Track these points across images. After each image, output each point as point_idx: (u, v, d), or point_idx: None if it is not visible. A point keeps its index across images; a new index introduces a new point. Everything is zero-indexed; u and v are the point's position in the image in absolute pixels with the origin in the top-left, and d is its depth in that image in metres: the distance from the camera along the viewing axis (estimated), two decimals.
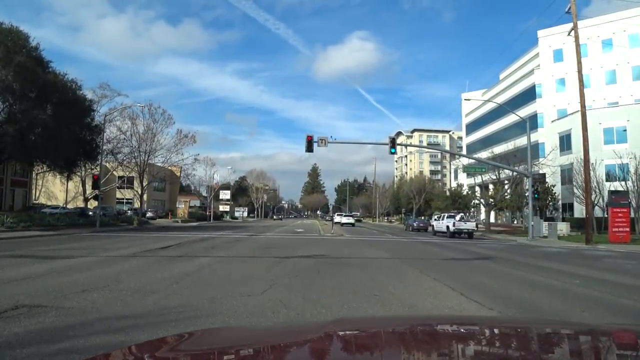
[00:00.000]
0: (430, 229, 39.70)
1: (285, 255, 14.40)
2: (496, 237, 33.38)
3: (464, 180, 63.89)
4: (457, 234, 31.73)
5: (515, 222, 53.22)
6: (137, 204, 47.50)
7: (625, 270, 12.95)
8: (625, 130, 37.71)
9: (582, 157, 25.72)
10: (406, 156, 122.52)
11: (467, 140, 73.83)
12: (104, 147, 34.59)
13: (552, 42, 47.40)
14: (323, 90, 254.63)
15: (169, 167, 47.42)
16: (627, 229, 25.45)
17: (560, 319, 5.71)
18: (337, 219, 52.80)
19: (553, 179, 42.23)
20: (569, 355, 1.65)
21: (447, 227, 32.55)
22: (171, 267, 10.77)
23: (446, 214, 36.72)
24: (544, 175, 43.15)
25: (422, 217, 51.21)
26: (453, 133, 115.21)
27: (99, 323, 5.21)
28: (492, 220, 47.61)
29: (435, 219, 39.15)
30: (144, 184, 39.57)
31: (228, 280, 8.92)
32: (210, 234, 28.18)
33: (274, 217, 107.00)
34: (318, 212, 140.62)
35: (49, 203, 50.32)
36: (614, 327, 2.78)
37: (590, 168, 25.77)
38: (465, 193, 56.64)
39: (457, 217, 33.12)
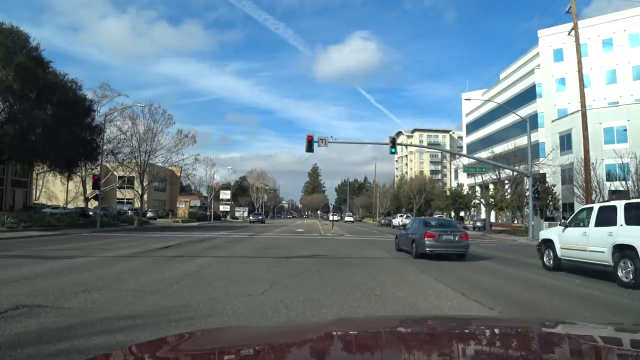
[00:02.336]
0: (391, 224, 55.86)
1: (286, 255, 14.41)
2: (496, 237, 33.37)
3: (465, 180, 63.87)
4: (404, 227, 43.63)
5: (515, 222, 53.17)
6: (137, 204, 47.46)
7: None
8: (625, 130, 37.65)
9: (583, 157, 25.71)
10: (406, 156, 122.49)
11: (467, 140, 73.81)
12: (104, 147, 34.56)
13: (553, 42, 47.36)
14: (323, 90, 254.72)
15: (170, 167, 47.37)
16: None
17: (561, 319, 5.71)
18: (332, 217, 61.60)
19: (553, 179, 42.18)
20: (569, 355, 1.65)
21: (399, 222, 49.42)
22: (171, 267, 10.77)
23: (399, 214, 59.17)
24: (544, 175, 43.11)
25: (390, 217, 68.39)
26: (453, 133, 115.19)
27: (99, 323, 5.21)
28: (492, 220, 47.61)
29: (393, 218, 59.53)
30: (145, 184, 39.51)
31: (228, 280, 8.92)
32: (210, 234, 28.19)
33: (251, 218, 65.69)
34: (318, 212, 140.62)
35: (50, 203, 50.31)
36: (615, 326, 2.78)
37: (591, 168, 25.74)
38: (465, 193, 56.66)
39: (404, 216, 53.68)
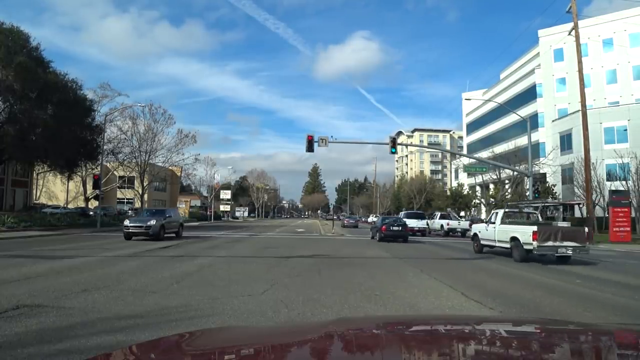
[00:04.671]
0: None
1: (286, 255, 14.41)
2: None
3: (465, 180, 63.85)
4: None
5: None
6: (137, 204, 47.52)
7: (626, 270, 12.94)
8: (626, 130, 37.65)
9: (583, 157, 25.73)
10: (407, 156, 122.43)
11: (467, 139, 73.77)
12: (105, 147, 34.61)
13: (553, 42, 47.31)
14: (323, 90, 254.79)
15: (170, 167, 47.43)
16: (628, 229, 25.40)
17: (561, 319, 5.71)
18: (328, 217, 67.21)
19: (554, 179, 42.16)
20: (570, 355, 1.65)
21: (372, 220, 58.98)
22: (172, 267, 10.78)
23: (372, 214, 72.47)
24: (544, 174, 43.10)
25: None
26: (454, 133, 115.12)
27: (99, 323, 5.21)
28: None
29: (367, 217, 76.80)
30: (145, 183, 39.59)
31: (229, 280, 8.92)
32: (210, 233, 28.18)
33: (127, 223, 21.40)
34: (319, 211, 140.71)
35: (50, 203, 50.34)
36: (615, 326, 2.78)
37: (591, 167, 25.75)
38: (465, 193, 56.65)
39: (374, 216, 66.13)
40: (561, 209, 43.34)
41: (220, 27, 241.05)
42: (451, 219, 35.50)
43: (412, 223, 30.35)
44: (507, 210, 18.43)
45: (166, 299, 6.85)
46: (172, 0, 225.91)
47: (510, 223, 15.99)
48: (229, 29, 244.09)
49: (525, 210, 21.47)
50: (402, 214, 37.04)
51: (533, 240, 13.51)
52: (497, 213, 17.24)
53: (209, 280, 8.86)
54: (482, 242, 17.24)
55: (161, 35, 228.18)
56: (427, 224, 32.87)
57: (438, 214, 38.24)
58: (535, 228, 13.83)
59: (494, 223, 16.52)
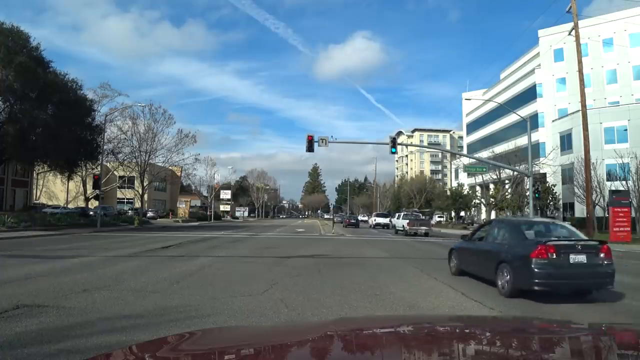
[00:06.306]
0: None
1: (286, 255, 14.42)
2: None
3: (465, 179, 63.85)
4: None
5: None
6: (137, 204, 47.56)
7: (625, 270, 12.92)
8: (626, 130, 37.63)
9: (583, 157, 25.74)
10: (407, 156, 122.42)
11: (467, 139, 73.76)
12: (105, 147, 34.56)
13: (553, 42, 47.28)
14: (324, 90, 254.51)
15: (170, 167, 47.37)
16: (628, 229, 25.39)
17: (561, 319, 5.71)
18: (327, 216, 69.07)
19: (554, 179, 42.16)
20: (569, 354, 1.65)
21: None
22: (172, 266, 10.78)
23: (360, 214, 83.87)
24: (544, 174, 43.10)
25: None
26: (454, 133, 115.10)
27: (99, 323, 5.22)
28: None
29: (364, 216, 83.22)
30: (145, 183, 39.53)
31: (229, 280, 8.93)
32: (211, 233, 28.19)
33: None
34: (319, 211, 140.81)
35: (50, 203, 50.37)
36: (615, 326, 2.78)
37: (591, 167, 25.74)
38: (466, 193, 56.64)
39: (363, 215, 79.27)
40: (561, 209, 43.40)
41: (221, 27, 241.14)
42: None
43: (380, 220, 48.32)
44: (404, 212, 39.14)
45: (166, 298, 6.85)
46: (173, 0, 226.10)
47: (404, 219, 33.78)
48: (229, 29, 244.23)
49: (414, 212, 42.37)
50: (374, 214, 57.69)
51: (407, 226, 31.07)
52: (400, 214, 37.41)
53: (209, 280, 8.87)
54: (396, 228, 34.61)
55: (162, 35, 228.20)
56: (390, 221, 44.92)
57: (397, 214, 53.25)
58: (408, 220, 32.26)
59: (399, 219, 35.21)
